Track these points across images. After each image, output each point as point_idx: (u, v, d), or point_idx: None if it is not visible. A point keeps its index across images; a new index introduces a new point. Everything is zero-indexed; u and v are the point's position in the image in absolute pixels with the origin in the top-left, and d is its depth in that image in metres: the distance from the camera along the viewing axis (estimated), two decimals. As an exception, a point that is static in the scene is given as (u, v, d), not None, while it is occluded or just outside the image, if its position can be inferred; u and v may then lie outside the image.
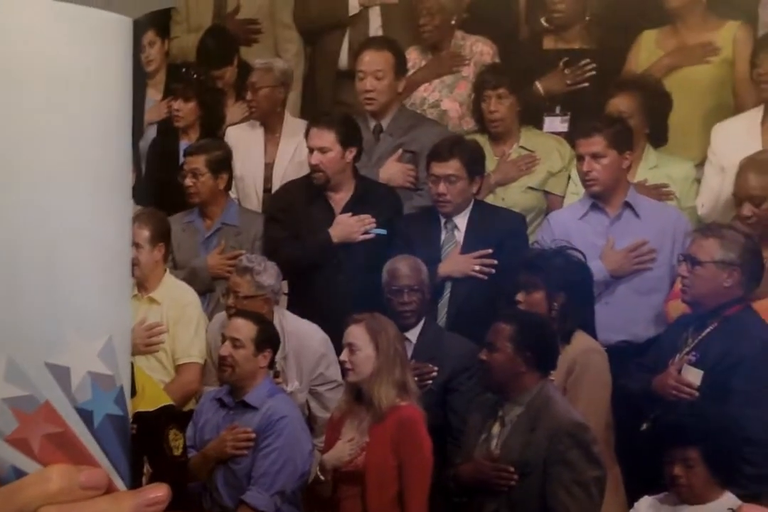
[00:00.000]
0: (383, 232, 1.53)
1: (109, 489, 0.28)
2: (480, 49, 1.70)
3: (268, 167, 1.73)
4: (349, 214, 1.54)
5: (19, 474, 0.28)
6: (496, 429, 1.30)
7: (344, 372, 1.37)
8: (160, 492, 0.27)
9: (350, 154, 1.52)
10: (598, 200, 1.48)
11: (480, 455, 1.30)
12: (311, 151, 1.54)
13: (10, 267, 0.27)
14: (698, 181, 1.57)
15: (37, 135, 0.27)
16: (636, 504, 1.23)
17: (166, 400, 1.46)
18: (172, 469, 1.42)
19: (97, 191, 0.28)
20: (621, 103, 1.52)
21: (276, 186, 1.70)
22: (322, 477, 1.35)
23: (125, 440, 0.29)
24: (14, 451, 0.28)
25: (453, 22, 1.70)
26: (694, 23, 1.61)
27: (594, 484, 1.25)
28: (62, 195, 0.27)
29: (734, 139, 1.47)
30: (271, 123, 1.73)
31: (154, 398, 1.45)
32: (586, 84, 1.65)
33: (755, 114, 1.49)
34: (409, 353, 1.38)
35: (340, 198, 1.55)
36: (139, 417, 1.39)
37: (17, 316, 0.27)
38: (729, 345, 1.25)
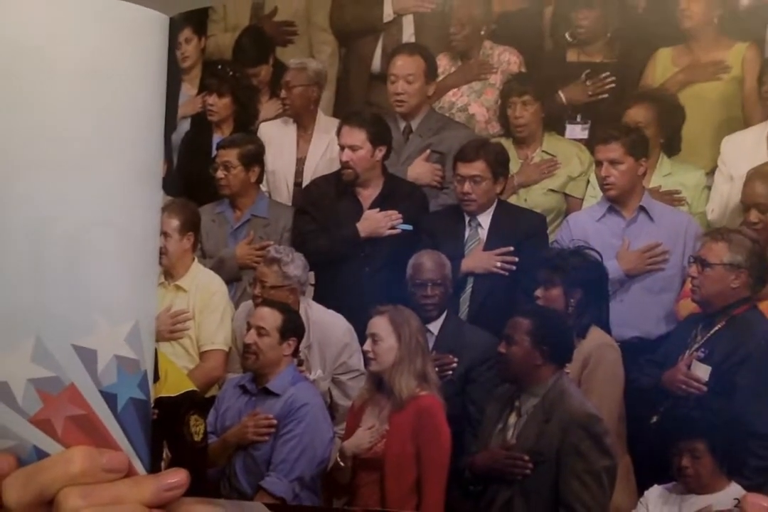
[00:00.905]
0: (409, 227, 1.59)
1: (129, 473, 0.29)
2: (507, 59, 1.79)
3: (300, 162, 1.78)
4: (377, 209, 1.60)
5: (41, 455, 0.28)
6: (512, 419, 1.35)
7: (367, 361, 1.41)
8: (179, 476, 0.29)
9: (380, 153, 1.59)
10: (615, 204, 1.56)
11: (496, 444, 1.35)
12: (342, 148, 1.60)
13: (41, 252, 0.29)
14: (708, 188, 1.65)
15: (72, 125, 0.29)
16: (646, 493, 1.28)
17: (189, 386, 1.49)
18: (191, 455, 1.45)
19: (127, 181, 0.30)
20: (638, 114, 1.61)
21: (306, 180, 1.75)
22: (341, 464, 1.39)
23: (147, 424, 0.30)
24: (37, 432, 0.29)
25: (482, 33, 1.78)
26: (706, 43, 1.71)
27: (605, 474, 1.30)
28: (93, 183, 0.29)
29: (742, 151, 1.57)
30: (304, 120, 1.79)
31: (176, 384, 1.48)
32: (606, 95, 1.74)
33: (762, 128, 1.59)
34: (431, 344, 1.43)
35: (368, 194, 1.62)
36: (160, 402, 1.41)
37: (46, 298, 0.28)
38: (736, 343, 1.32)
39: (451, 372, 1.45)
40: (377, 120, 1.63)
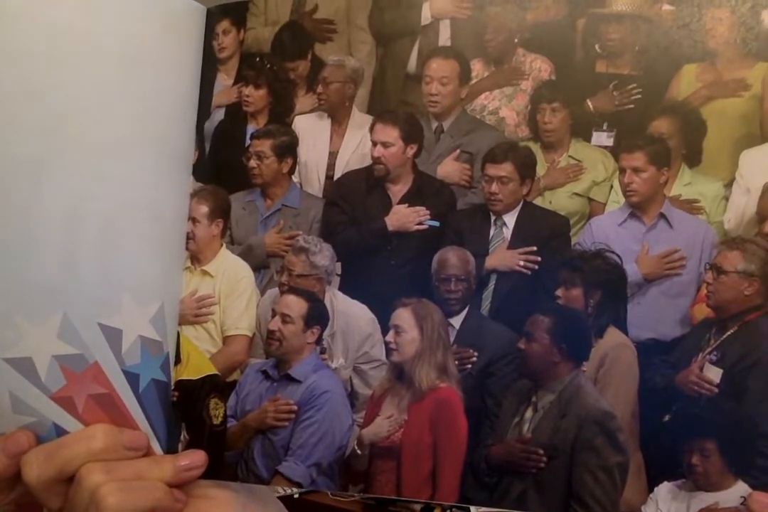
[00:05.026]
0: (436, 224, 1.63)
1: (147, 453, 0.30)
2: (539, 66, 1.85)
3: (332, 156, 1.82)
4: (406, 205, 1.64)
5: (60, 432, 0.30)
6: (528, 413, 1.39)
7: (388, 352, 1.44)
8: (198, 458, 0.31)
9: (411, 150, 1.63)
10: (636, 210, 1.62)
11: (512, 438, 1.39)
12: (374, 144, 1.64)
13: (74, 231, 0.30)
14: (726, 199, 1.72)
15: (107, 109, 0.31)
16: (656, 489, 1.32)
17: (211, 370, 1.51)
18: (210, 438, 1.47)
19: (159, 166, 0.32)
20: (662, 125, 1.67)
21: (338, 174, 1.79)
22: (359, 452, 1.41)
23: (166, 406, 0.31)
24: (58, 409, 0.30)
25: (516, 40, 1.84)
26: (729, 61, 1.78)
27: (618, 470, 1.34)
28: (126, 166, 0.31)
29: (759, 165, 1.63)
30: (338, 115, 1.83)
31: (198, 367, 1.50)
32: (632, 106, 1.81)
33: (778, 145, 1.66)
34: (452, 338, 1.46)
35: (398, 189, 1.66)
36: (181, 384, 1.43)
37: (76, 276, 0.30)
38: (747, 347, 1.38)
39: (470, 365, 1.49)
40: (410, 118, 1.68)
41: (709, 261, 1.56)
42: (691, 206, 1.84)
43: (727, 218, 1.80)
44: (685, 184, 1.82)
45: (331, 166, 1.96)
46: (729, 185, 1.84)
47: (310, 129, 1.96)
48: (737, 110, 1.86)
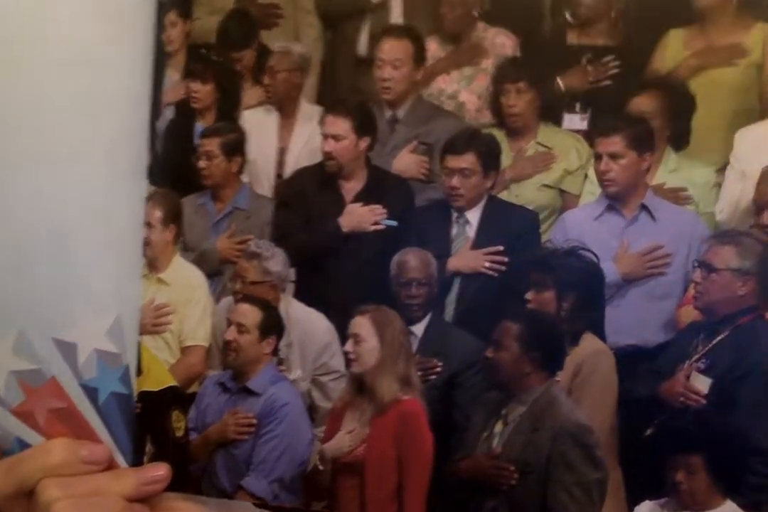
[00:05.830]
0: (394, 223, 1.52)
1: (111, 466, 0.28)
2: (501, 42, 1.67)
3: (281, 152, 1.72)
4: (360, 203, 1.53)
5: (23, 446, 0.29)
6: (498, 427, 1.29)
7: (348, 362, 1.36)
8: (161, 470, 0.28)
9: (364, 143, 1.51)
10: (614, 201, 1.46)
11: (481, 452, 1.30)
12: (325, 138, 1.53)
13: (24, 242, 0.27)
14: (718, 186, 1.53)
15: (56, 112, 0.27)
16: (636, 509, 1.22)
17: (171, 381, 1.47)
18: (173, 450, 1.43)
19: (112, 170, 0.28)
20: (643, 103, 1.49)
21: (288, 171, 1.69)
22: (320, 467, 1.36)
23: (129, 418, 0.30)
24: (20, 423, 0.29)
25: (475, 14, 1.67)
26: (723, 23, 1.57)
27: (595, 487, 1.24)
28: (78, 172, 0.28)
29: (758, 145, 1.44)
30: (286, 108, 1.72)
31: (159, 378, 1.46)
32: (609, 82, 1.62)
33: (781, 119, 1.46)
34: (414, 347, 1.37)
35: (351, 187, 1.54)
36: (143, 396, 1.39)
37: (29, 290, 0.28)
38: (740, 354, 1.24)
39: (434, 376, 1.39)
40: (362, 109, 1.55)
41: (698, 257, 1.39)
42: (677, 195, 1.65)
43: (720, 208, 1.60)
44: (670, 170, 1.63)
45: (280, 164, 1.84)
46: (722, 170, 1.63)
47: (258, 124, 1.83)
48: (732, 81, 1.63)
